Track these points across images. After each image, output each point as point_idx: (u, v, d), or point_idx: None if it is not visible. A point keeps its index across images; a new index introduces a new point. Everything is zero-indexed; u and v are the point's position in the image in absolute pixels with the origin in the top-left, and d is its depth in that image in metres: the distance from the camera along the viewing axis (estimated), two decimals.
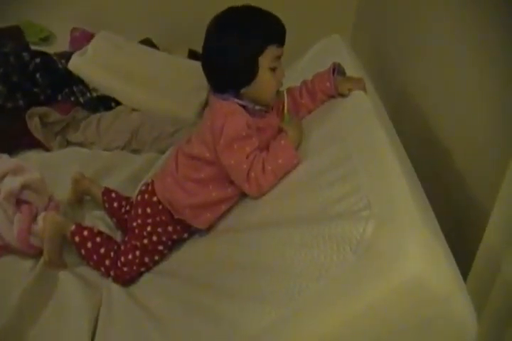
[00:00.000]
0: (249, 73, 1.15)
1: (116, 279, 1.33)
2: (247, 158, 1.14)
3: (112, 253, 1.34)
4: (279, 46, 1.15)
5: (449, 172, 1.27)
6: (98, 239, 1.36)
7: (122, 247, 1.35)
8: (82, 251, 1.36)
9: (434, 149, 1.37)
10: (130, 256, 1.32)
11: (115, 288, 1.31)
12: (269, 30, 1.14)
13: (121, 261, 1.33)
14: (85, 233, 1.37)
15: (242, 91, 1.17)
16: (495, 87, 1.12)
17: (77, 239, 1.36)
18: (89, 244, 1.35)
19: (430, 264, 0.71)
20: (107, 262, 1.33)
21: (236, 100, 1.17)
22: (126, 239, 1.37)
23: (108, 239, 1.39)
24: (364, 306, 0.72)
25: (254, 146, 1.16)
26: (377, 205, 0.82)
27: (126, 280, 1.33)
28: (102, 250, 1.34)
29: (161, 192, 1.30)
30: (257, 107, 1.19)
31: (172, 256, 1.34)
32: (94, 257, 1.35)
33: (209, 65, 1.19)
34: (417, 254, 0.72)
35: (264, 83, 1.16)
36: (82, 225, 1.42)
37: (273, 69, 1.16)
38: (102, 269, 1.35)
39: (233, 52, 1.13)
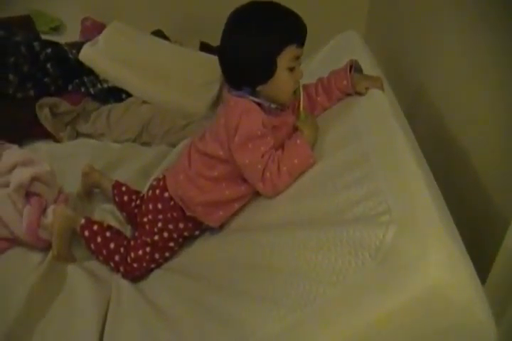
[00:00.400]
0: (267, 72, 1.12)
1: (126, 275, 1.32)
2: (262, 157, 1.12)
3: (121, 249, 1.33)
4: (298, 46, 1.12)
5: (465, 175, 1.25)
6: (108, 234, 1.35)
7: (132, 243, 1.34)
8: (92, 246, 1.35)
9: (450, 150, 1.35)
10: (140, 252, 1.31)
11: (124, 283, 1.30)
12: (290, 30, 1.11)
13: (131, 257, 1.32)
14: (95, 227, 1.36)
15: (259, 88, 1.14)
16: None
17: (86, 233, 1.35)
18: (98, 239, 1.34)
19: (451, 273, 0.70)
20: (117, 257, 1.32)
21: (252, 97, 1.14)
22: (136, 234, 1.36)
23: (118, 234, 1.38)
24: (383, 314, 0.71)
25: (269, 145, 1.14)
26: (397, 210, 0.80)
27: (136, 277, 1.32)
28: (112, 245, 1.33)
29: (173, 188, 1.28)
30: (273, 105, 1.17)
31: (183, 253, 1.33)
32: (104, 252, 1.34)
33: (226, 60, 1.16)
34: (439, 263, 0.70)
35: (281, 83, 1.13)
36: (92, 219, 1.41)
37: (291, 69, 1.13)
38: (112, 264, 1.34)
39: (252, 50, 1.10)
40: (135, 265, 1.31)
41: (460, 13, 1.39)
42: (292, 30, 1.12)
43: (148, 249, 1.31)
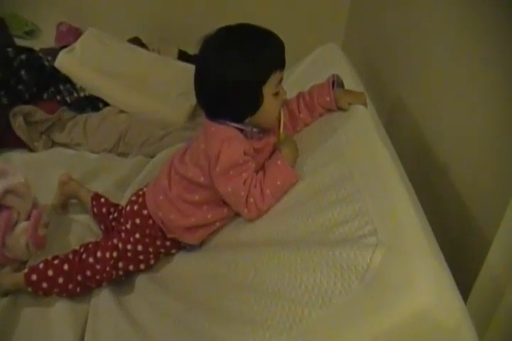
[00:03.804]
0: (254, 105, 1.09)
1: (88, 281, 1.25)
2: (244, 184, 1.10)
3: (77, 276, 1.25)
4: (281, 70, 1.10)
5: (445, 191, 1.25)
6: (56, 261, 1.26)
7: (102, 243, 1.28)
8: (45, 284, 1.24)
9: (430, 165, 1.35)
10: (107, 255, 1.25)
11: (104, 296, 1.26)
12: (272, 58, 1.07)
13: (95, 257, 1.25)
14: (40, 266, 1.26)
15: (246, 121, 1.12)
16: (495, 98, 1.09)
17: (34, 277, 1.24)
18: (50, 272, 1.24)
19: (439, 297, 0.70)
20: (79, 277, 1.25)
21: (233, 124, 1.12)
22: (110, 236, 1.31)
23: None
24: (370, 337, 0.71)
25: (250, 171, 1.12)
26: (384, 232, 0.80)
27: (99, 281, 1.26)
28: (61, 280, 1.24)
29: (153, 209, 1.25)
30: (255, 129, 1.14)
31: (165, 268, 1.29)
32: (60, 280, 1.24)
33: (207, 95, 1.12)
34: (427, 287, 0.70)
35: (268, 110, 1.11)
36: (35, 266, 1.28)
37: (276, 94, 1.11)
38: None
39: (237, 86, 1.06)
40: (98, 267, 1.24)
41: (442, 23, 1.39)
42: (275, 58, 1.08)
43: (115, 254, 1.25)
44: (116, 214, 1.44)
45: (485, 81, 1.13)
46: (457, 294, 0.73)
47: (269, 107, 1.11)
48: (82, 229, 1.49)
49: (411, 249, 0.76)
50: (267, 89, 1.09)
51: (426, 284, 0.70)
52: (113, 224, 1.43)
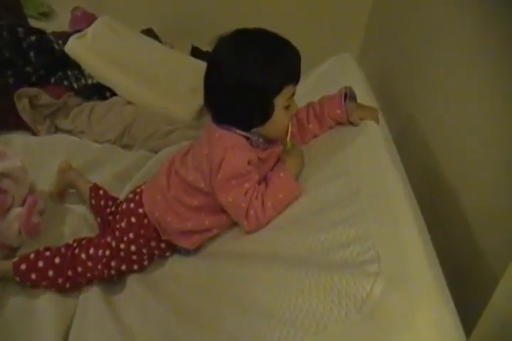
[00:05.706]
0: (265, 115, 1.07)
1: (79, 278, 1.23)
2: (245, 195, 1.07)
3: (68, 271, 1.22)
4: (295, 84, 1.08)
5: (454, 215, 1.22)
6: (47, 253, 1.24)
7: (96, 240, 1.26)
8: (34, 276, 1.21)
9: (439, 186, 1.32)
10: (100, 253, 1.23)
11: (93, 294, 1.23)
12: (288, 70, 1.06)
13: (87, 254, 1.23)
14: (31, 256, 1.24)
15: (253, 131, 1.09)
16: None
17: (23, 266, 1.22)
18: (40, 264, 1.22)
19: (439, 335, 0.68)
20: (70, 272, 1.23)
21: (239, 131, 1.09)
22: (104, 234, 1.29)
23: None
24: None
25: (253, 181, 1.09)
26: (387, 260, 0.77)
27: (89, 279, 1.23)
28: (57, 260, 1.23)
29: (150, 209, 1.23)
30: (261, 140, 1.12)
31: (158, 271, 1.26)
32: (50, 273, 1.22)
33: (217, 99, 1.10)
34: (427, 324, 0.68)
35: (277, 122, 1.09)
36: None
37: (287, 107, 1.08)
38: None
39: (249, 94, 1.03)
40: (90, 264, 1.22)
41: (462, 38, 1.37)
42: (291, 71, 1.06)
43: (107, 252, 1.23)
44: (113, 208, 1.41)
45: (506, 100, 1.10)
46: (460, 331, 0.70)
47: (279, 119, 1.09)
48: (77, 220, 1.46)
49: (414, 281, 0.73)
50: (279, 101, 1.06)
51: (426, 321, 0.68)
52: (109, 218, 1.40)
